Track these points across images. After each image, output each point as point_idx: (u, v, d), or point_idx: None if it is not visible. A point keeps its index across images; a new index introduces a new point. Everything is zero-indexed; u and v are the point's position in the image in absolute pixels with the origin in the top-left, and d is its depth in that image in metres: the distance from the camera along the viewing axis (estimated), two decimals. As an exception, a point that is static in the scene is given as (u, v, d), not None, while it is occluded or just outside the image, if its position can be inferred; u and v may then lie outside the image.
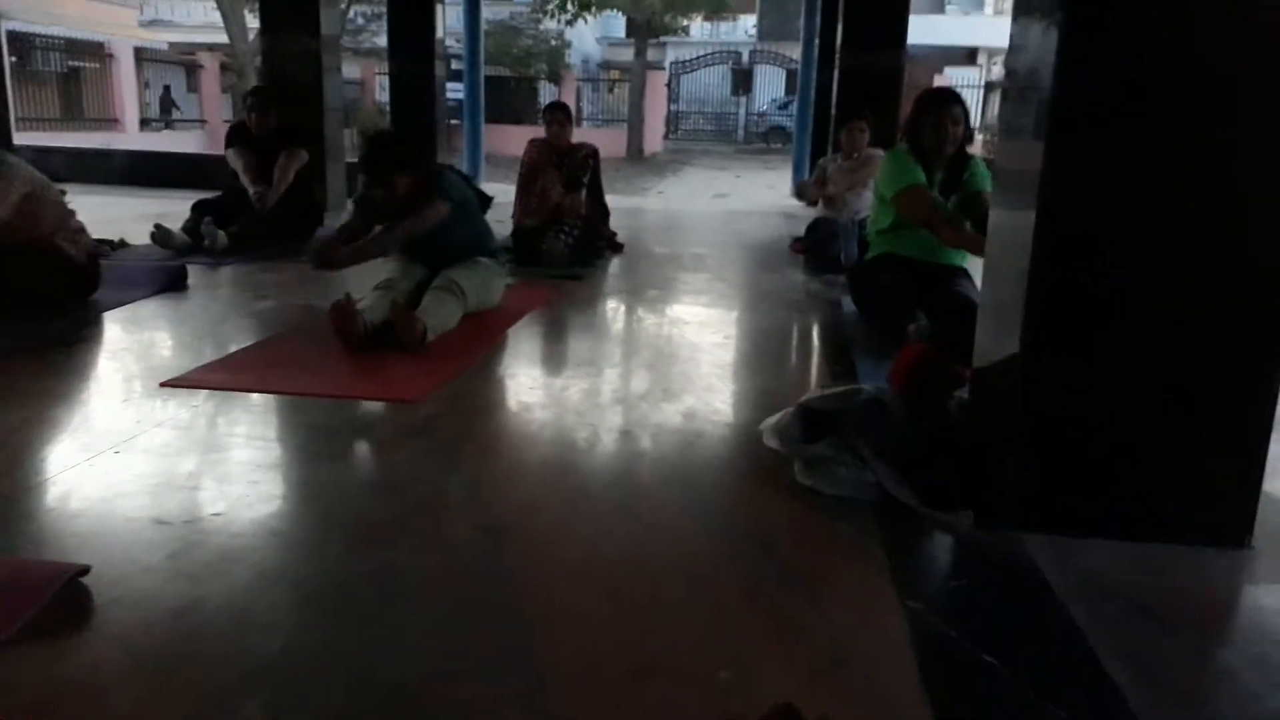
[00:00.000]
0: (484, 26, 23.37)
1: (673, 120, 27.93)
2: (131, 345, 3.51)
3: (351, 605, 1.65)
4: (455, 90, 12.18)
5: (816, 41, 10.83)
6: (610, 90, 28.45)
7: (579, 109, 27.39)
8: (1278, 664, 1.55)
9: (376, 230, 3.93)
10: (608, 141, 24.10)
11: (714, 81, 29.74)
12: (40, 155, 8.10)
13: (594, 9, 23.54)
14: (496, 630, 1.57)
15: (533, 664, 1.48)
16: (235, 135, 5.85)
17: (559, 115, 5.84)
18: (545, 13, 23.61)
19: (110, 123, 19.34)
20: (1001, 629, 1.64)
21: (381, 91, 22.57)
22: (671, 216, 9.00)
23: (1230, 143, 1.83)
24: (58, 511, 2.00)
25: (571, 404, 2.89)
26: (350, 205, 5.32)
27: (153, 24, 27.79)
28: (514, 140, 6.66)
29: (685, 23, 26.94)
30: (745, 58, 30.09)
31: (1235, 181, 1.84)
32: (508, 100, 25.35)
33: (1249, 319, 1.89)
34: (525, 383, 3.22)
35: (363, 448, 2.53)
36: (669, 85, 26.99)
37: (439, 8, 9.60)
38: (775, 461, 2.29)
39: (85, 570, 1.64)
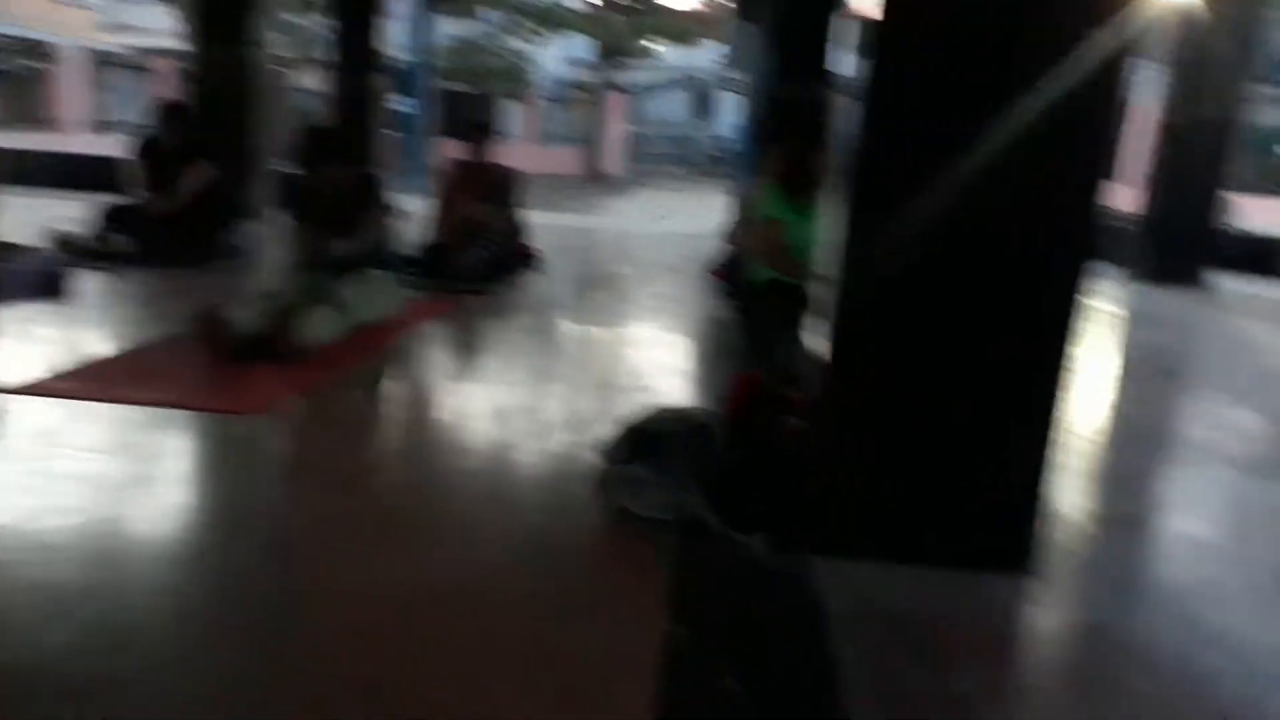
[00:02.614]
0: (447, 42, 23.46)
1: (633, 142, 28.04)
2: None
3: (119, 622, 1.62)
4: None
5: (761, 71, 10.94)
6: (575, 110, 28.57)
7: (540, 127, 27.50)
8: (1015, 690, 1.58)
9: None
10: (567, 160, 24.30)
11: (676, 106, 29.96)
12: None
13: (557, 29, 23.66)
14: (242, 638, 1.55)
15: (280, 682, 1.46)
16: (145, 147, 5.82)
17: (479, 134, 5.87)
18: (511, 31, 23.73)
19: (56, 124, 19.06)
20: (755, 652, 1.64)
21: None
22: (608, 236, 9.04)
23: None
24: None
25: (419, 419, 2.87)
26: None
27: (112, 27, 27.48)
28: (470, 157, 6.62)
29: (659, 47, 27.15)
30: (708, 84, 30.32)
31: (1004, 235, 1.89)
32: (468, 116, 25.34)
33: (1022, 361, 1.93)
34: (377, 401, 3.19)
35: (182, 461, 2.49)
36: (628, 107, 27.15)
37: (380, 21, 9.60)
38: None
39: None
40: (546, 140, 27.35)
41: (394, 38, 11.15)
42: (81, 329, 3.74)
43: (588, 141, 24.13)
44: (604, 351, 4.03)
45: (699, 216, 13.44)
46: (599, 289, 5.52)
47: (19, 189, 7.92)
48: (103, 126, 21.27)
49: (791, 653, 1.67)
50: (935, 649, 1.69)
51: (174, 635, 1.57)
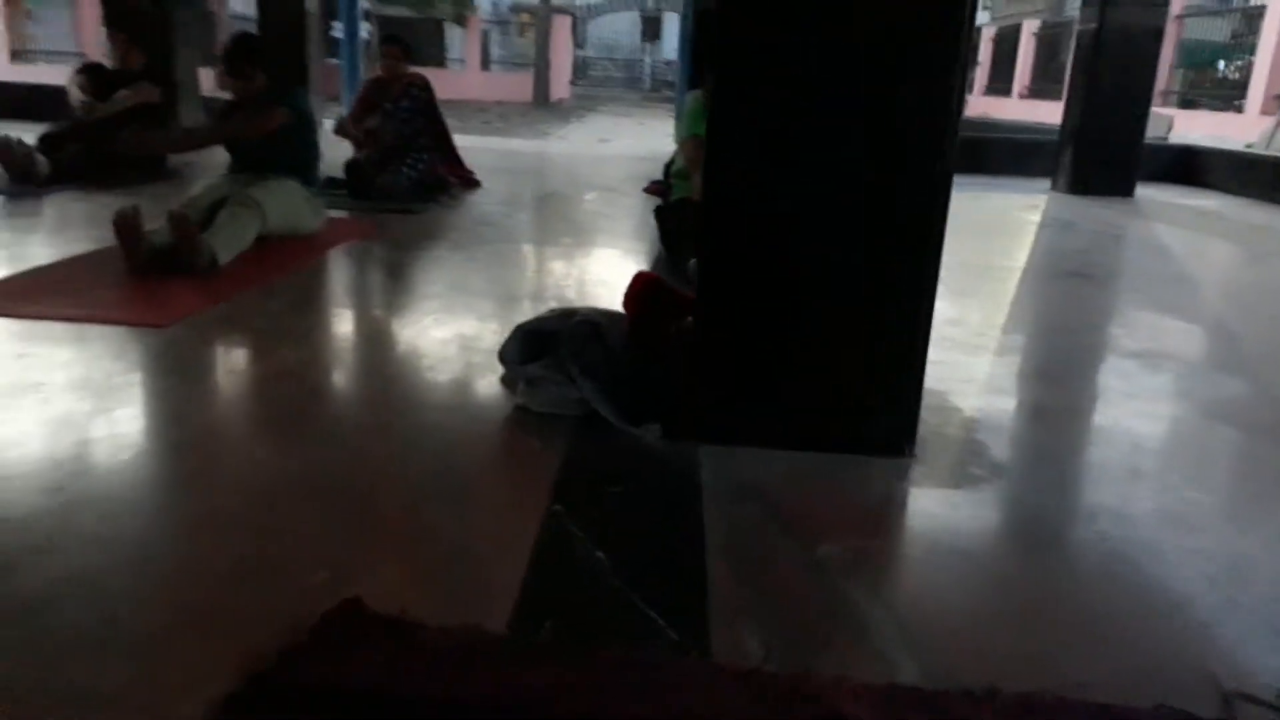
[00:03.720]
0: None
1: (581, 66, 27.55)
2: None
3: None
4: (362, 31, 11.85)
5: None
6: (521, 35, 27.91)
7: (486, 53, 26.82)
8: (874, 558, 1.67)
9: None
10: (514, 86, 23.81)
11: (624, 29, 29.40)
12: None
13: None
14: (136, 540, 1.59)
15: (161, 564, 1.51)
16: (86, 68, 5.70)
17: (391, 49, 5.78)
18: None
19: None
20: (629, 529, 1.72)
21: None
22: (548, 159, 8.95)
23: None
24: None
25: (330, 332, 2.89)
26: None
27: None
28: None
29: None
30: (652, 4, 29.76)
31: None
32: (414, 43, 24.66)
33: (890, 247, 1.99)
34: (291, 311, 3.18)
35: (82, 374, 2.49)
36: (574, 30, 26.59)
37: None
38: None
39: None
40: (493, 66, 26.76)
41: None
42: (-10, 251, 3.67)
43: (535, 66, 23.63)
44: (527, 265, 4.05)
45: (643, 139, 13.37)
46: (532, 209, 5.51)
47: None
48: (28, 56, 20.37)
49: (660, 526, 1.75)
50: (803, 523, 1.77)
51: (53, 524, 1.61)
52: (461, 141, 6.54)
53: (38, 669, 1.24)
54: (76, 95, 5.63)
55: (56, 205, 4.66)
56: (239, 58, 4.00)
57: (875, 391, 2.07)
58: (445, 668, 1.27)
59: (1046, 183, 7.97)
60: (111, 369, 2.41)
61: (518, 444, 2.12)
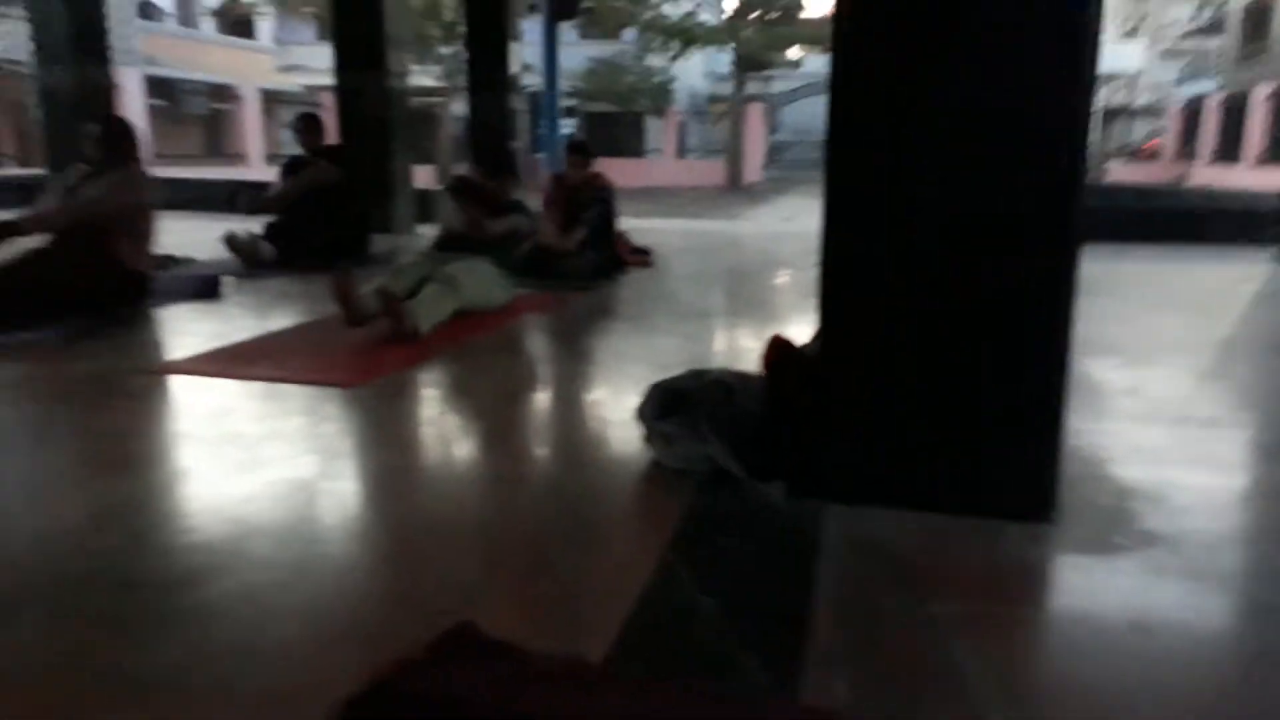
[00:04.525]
0: (589, 65, 24.17)
1: (774, 151, 28.02)
2: (148, 338, 3.95)
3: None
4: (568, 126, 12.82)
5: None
6: (715, 123, 28.85)
7: (683, 141, 27.87)
8: (989, 620, 1.62)
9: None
10: (708, 172, 24.57)
11: (817, 113, 29.72)
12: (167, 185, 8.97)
13: (699, 45, 23.98)
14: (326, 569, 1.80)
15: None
16: (288, 163, 6.44)
17: (575, 158, 6.14)
18: (650, 50, 24.29)
19: (239, 158, 20.93)
20: (740, 578, 1.75)
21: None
22: (731, 238, 9.17)
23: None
24: None
25: (508, 389, 3.11)
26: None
27: (289, 69, 29.86)
28: (616, 172, 7.03)
29: (797, 56, 27.11)
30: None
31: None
32: (613, 135, 26.06)
33: (1029, 304, 1.96)
34: (469, 374, 3.44)
35: (276, 426, 2.80)
36: (767, 117, 27.15)
37: (513, 47, 10.10)
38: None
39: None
40: (688, 153, 27.74)
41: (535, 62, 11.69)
42: (226, 322, 4.21)
43: (728, 152, 24.32)
44: (686, 334, 4.18)
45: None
46: (702, 284, 5.68)
47: (201, 213, 8.86)
48: (276, 158, 23.21)
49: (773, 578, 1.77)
50: (921, 581, 1.74)
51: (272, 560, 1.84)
52: (649, 224, 6.85)
53: (202, 664, 1.43)
54: (276, 185, 6.37)
55: (278, 286, 5.27)
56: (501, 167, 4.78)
57: (1010, 455, 2.01)
58: (541, 688, 1.36)
59: (1270, 252, 7.32)
60: (304, 422, 2.71)
61: (646, 496, 2.21)
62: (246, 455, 2.40)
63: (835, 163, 2.02)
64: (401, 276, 4.10)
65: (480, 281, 4.26)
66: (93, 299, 4.12)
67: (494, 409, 2.99)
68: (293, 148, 6.84)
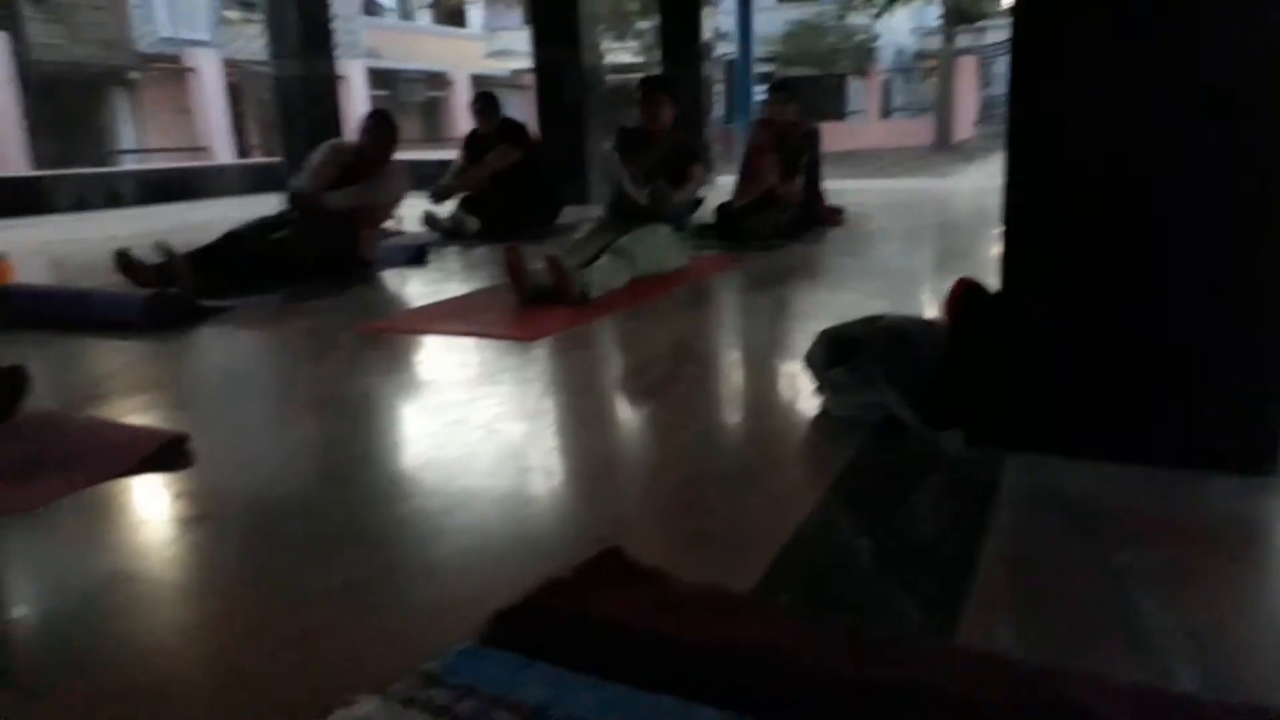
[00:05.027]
0: (785, 28, 23.66)
1: (988, 106, 26.37)
2: (359, 301, 4.26)
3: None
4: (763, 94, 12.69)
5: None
6: (923, 80, 27.52)
7: (888, 101, 26.81)
8: (1179, 572, 1.46)
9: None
10: (914, 132, 23.50)
11: (1037, 62, 27.65)
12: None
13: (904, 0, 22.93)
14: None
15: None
16: (467, 139, 6.72)
17: (775, 94, 6.00)
18: (852, 8, 23.49)
19: (451, 141, 22.15)
20: (905, 524, 1.66)
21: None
22: (933, 195, 8.75)
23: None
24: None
25: (668, 346, 3.13)
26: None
27: (498, 54, 31.16)
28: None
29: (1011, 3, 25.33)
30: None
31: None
32: (814, 98, 25.43)
33: (1253, 218, 1.72)
34: (639, 330, 3.46)
35: (462, 374, 2.93)
36: (980, 71, 25.56)
37: (704, 11, 10.06)
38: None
39: (181, 438, 2.17)
40: (894, 113, 26.68)
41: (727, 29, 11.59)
42: (429, 285, 4.48)
43: (937, 110, 23.15)
44: (865, 290, 4.02)
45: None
46: (892, 241, 5.44)
47: (417, 192, 9.47)
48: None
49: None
50: (1112, 532, 1.59)
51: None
52: (848, 184, 6.65)
53: (378, 578, 1.53)
54: (457, 162, 6.64)
55: (479, 254, 5.54)
56: (656, 93, 5.06)
57: (1227, 398, 1.79)
58: (681, 613, 1.35)
59: None
60: (484, 371, 2.84)
61: (811, 443, 2.14)
62: (430, 399, 2.54)
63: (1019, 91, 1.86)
64: (578, 252, 4.17)
65: (654, 249, 4.26)
66: (322, 273, 4.50)
67: (664, 361, 2.99)
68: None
